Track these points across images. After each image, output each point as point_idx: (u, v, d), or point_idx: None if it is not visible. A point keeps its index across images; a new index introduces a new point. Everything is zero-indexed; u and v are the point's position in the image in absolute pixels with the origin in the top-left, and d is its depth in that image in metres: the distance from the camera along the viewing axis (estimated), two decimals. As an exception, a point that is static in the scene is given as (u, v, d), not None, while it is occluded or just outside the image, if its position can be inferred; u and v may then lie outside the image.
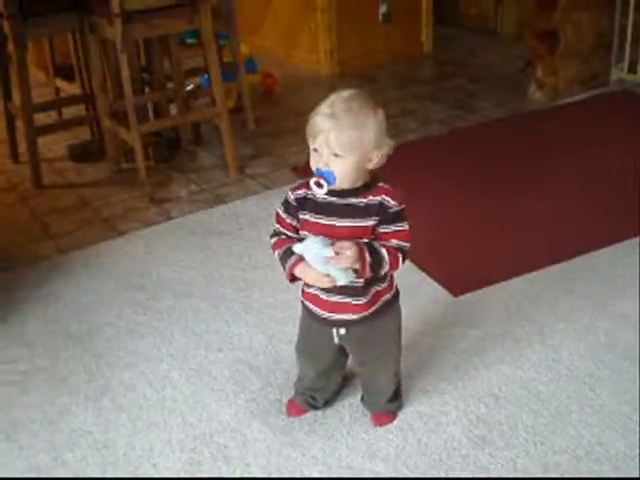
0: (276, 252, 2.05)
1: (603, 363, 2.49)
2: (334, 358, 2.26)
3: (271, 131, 4.73)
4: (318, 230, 1.95)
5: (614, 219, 3.35)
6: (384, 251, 1.94)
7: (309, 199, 1.99)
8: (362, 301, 2.05)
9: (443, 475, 2.11)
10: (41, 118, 4.48)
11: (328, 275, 1.93)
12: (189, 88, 4.70)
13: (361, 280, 1.99)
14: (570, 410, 2.30)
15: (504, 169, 3.96)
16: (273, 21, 6.37)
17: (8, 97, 4.42)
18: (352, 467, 2.16)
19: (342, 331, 2.13)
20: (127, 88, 3.78)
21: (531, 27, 5.06)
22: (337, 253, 1.87)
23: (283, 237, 2.05)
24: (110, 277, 3.22)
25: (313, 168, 1.92)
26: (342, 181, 1.90)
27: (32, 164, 4.18)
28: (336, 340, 2.15)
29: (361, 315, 2.08)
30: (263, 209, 3.68)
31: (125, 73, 3.75)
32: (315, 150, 1.89)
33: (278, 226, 2.07)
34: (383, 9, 6.00)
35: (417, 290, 2.94)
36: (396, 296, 2.16)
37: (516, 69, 5.44)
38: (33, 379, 2.63)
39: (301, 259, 1.95)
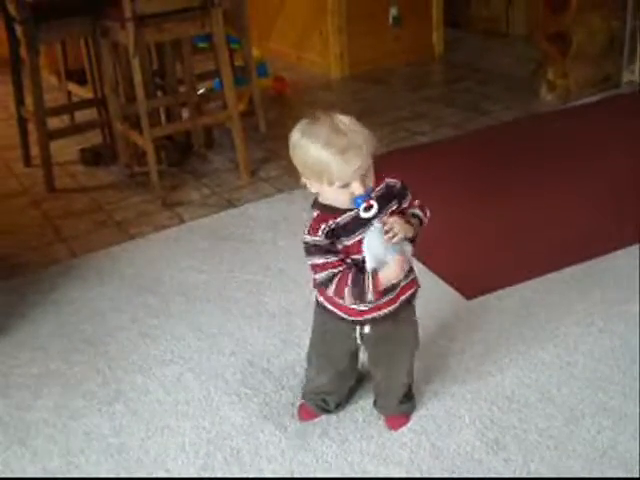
0: (345, 290, 1.92)
1: (617, 366, 2.48)
2: (350, 360, 2.25)
3: (283, 134, 4.64)
4: (361, 244, 1.92)
5: (628, 221, 3.33)
6: (417, 211, 2.05)
7: (334, 229, 1.91)
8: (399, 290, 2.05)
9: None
10: (53, 122, 4.51)
11: (397, 258, 1.91)
12: (201, 92, 4.71)
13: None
14: (584, 413, 2.30)
15: (516, 172, 3.95)
16: (284, 25, 6.37)
17: (21, 101, 4.44)
18: (366, 471, 2.15)
19: (366, 329, 2.10)
20: (139, 92, 3.78)
21: (542, 29, 5.04)
22: (387, 232, 1.89)
23: (340, 275, 1.92)
24: (122, 281, 3.23)
25: (343, 204, 1.89)
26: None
27: (44, 168, 4.19)
28: (359, 340, 2.13)
29: (390, 309, 2.06)
30: (275, 212, 3.68)
31: (137, 77, 3.76)
32: (345, 186, 1.84)
33: (326, 273, 1.93)
34: (393, 12, 6.00)
35: (430, 293, 2.92)
36: (416, 293, 2.15)
37: (527, 71, 5.42)
38: (47, 383, 2.63)
39: (375, 274, 1.91)
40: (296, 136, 1.88)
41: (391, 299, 2.05)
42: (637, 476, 2.07)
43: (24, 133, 4.51)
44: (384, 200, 1.95)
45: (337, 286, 1.93)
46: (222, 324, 2.87)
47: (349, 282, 1.91)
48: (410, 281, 2.10)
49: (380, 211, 1.92)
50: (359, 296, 1.94)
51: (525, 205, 3.58)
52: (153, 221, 3.76)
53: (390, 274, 1.92)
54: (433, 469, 2.14)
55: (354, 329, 2.11)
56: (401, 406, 2.31)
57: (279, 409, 2.41)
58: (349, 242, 1.92)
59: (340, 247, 1.93)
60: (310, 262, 1.95)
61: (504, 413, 2.32)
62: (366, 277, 1.91)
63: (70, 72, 5.03)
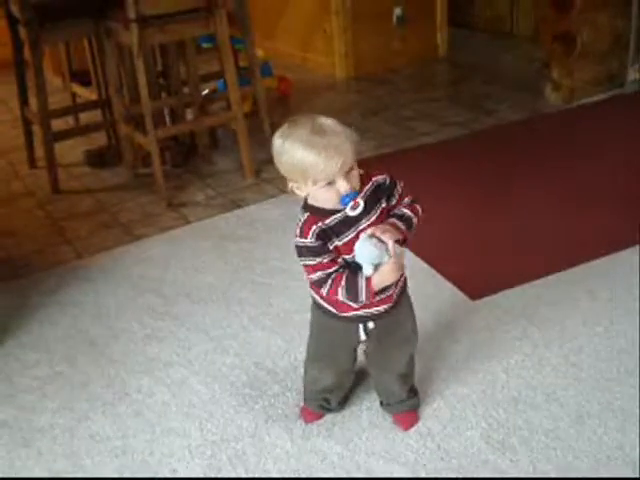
0: (339, 290, 1.94)
1: (623, 366, 2.47)
2: (353, 357, 2.25)
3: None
4: (352, 245, 1.92)
5: (633, 220, 3.32)
6: (405, 211, 2.01)
7: (325, 229, 1.92)
8: (397, 288, 2.07)
9: (463, 480, 2.11)
10: (58, 124, 4.50)
11: (392, 262, 1.92)
12: (205, 93, 4.70)
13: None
14: (590, 414, 2.29)
15: (521, 172, 3.94)
16: (288, 25, 6.37)
17: (25, 103, 4.44)
18: (371, 472, 2.15)
19: (370, 325, 2.10)
20: (144, 93, 3.78)
21: (547, 28, 5.03)
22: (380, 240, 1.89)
23: (333, 276, 1.94)
24: (128, 282, 3.23)
25: (331, 203, 1.90)
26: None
27: (49, 169, 4.20)
28: (363, 337, 2.13)
29: (390, 304, 2.08)
30: (280, 213, 3.68)
31: (142, 78, 3.75)
32: (329, 184, 1.84)
33: (319, 273, 1.95)
34: (398, 12, 5.99)
35: (435, 294, 2.93)
36: (406, 280, 2.17)
37: (532, 71, 5.41)
38: (52, 385, 2.63)
39: (369, 277, 1.92)
40: (278, 142, 1.87)
41: (389, 295, 2.06)
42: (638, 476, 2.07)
43: (29, 135, 4.51)
44: (373, 199, 1.96)
45: (331, 286, 1.95)
46: (227, 325, 2.87)
47: (343, 283, 1.93)
48: (402, 281, 2.12)
49: (370, 211, 1.95)
50: (353, 297, 1.96)
51: (530, 205, 3.57)
52: (158, 222, 3.76)
53: (385, 277, 1.94)
54: (439, 470, 2.14)
55: (357, 326, 2.11)
56: (407, 402, 2.30)
57: (284, 410, 2.40)
58: (340, 243, 1.93)
59: (332, 247, 1.94)
60: (303, 263, 1.97)
61: (510, 414, 2.31)
62: (359, 279, 1.92)
63: (74, 74, 5.04)
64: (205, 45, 5.49)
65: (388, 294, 2.06)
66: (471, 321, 2.76)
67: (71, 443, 2.36)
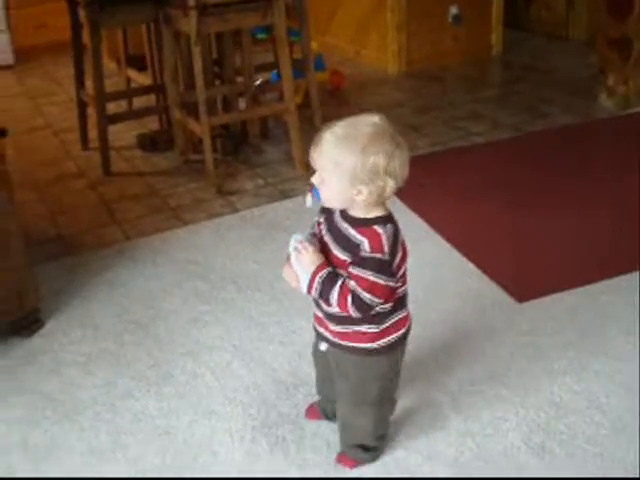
0: None
1: (668, 378, 2.45)
2: (324, 367, 2.19)
3: (337, 128, 4.71)
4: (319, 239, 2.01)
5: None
6: (339, 283, 1.90)
7: (326, 208, 2.01)
8: (335, 329, 2.02)
9: (501, 481, 2.11)
10: (111, 107, 4.55)
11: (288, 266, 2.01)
12: (257, 83, 4.72)
13: (333, 309, 1.95)
14: (631, 423, 2.27)
15: (573, 176, 3.91)
16: (343, 20, 6.37)
17: (81, 85, 4.50)
18: (410, 469, 2.15)
19: (323, 346, 2.11)
20: (199, 80, 3.81)
21: (603, 34, 4.98)
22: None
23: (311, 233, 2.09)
24: (175, 265, 3.26)
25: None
26: (326, 201, 1.95)
27: (102, 151, 4.25)
28: (322, 348, 2.12)
29: (333, 339, 2.05)
30: (327, 206, 3.68)
31: (198, 65, 3.78)
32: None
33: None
34: (453, 11, 5.97)
35: (481, 295, 2.92)
36: (375, 353, 2.02)
37: (587, 75, 5.36)
38: (97, 361, 2.68)
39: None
40: (391, 147, 1.84)
41: (327, 327, 2.04)
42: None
43: (83, 116, 4.57)
44: (346, 243, 1.92)
45: None
46: (272, 314, 2.89)
47: None
48: (344, 332, 2.02)
49: (337, 244, 1.94)
50: None
51: (580, 210, 3.54)
52: (207, 208, 3.79)
53: (284, 272, 2.04)
54: (477, 470, 2.14)
55: (319, 341, 2.14)
56: (356, 450, 2.17)
57: (325, 401, 2.42)
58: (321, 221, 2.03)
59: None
60: None
61: (551, 418, 2.31)
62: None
63: (130, 58, 5.10)
64: (260, 36, 5.50)
65: (328, 324, 2.03)
66: (516, 324, 2.75)
67: (114, 420, 2.40)
